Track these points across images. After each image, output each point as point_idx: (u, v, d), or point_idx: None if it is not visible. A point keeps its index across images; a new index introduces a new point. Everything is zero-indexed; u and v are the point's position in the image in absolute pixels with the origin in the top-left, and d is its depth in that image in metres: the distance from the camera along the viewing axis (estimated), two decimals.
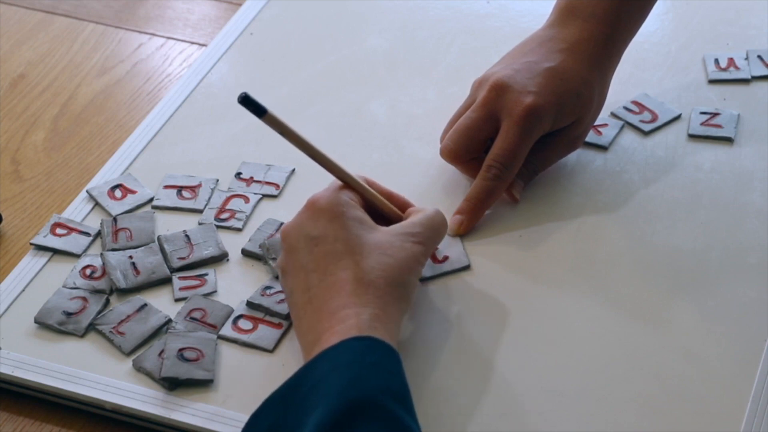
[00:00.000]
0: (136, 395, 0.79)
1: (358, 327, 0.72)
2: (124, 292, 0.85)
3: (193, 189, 0.93)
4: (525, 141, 0.88)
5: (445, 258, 0.86)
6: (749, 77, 1.02)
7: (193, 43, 1.11)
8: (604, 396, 0.78)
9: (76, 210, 0.92)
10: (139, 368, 0.80)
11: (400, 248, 0.78)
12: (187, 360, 0.80)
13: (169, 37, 1.12)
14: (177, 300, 0.85)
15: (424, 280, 0.85)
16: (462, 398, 0.78)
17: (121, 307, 0.84)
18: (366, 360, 0.70)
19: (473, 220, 0.89)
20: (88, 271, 0.87)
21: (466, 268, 0.86)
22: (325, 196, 0.80)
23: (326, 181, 0.89)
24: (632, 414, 0.77)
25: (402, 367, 0.72)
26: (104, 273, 0.86)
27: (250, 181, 0.94)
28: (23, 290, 0.86)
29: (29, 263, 0.88)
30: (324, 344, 0.72)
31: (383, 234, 0.79)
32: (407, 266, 0.78)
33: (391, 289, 0.76)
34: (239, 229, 0.90)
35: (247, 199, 0.92)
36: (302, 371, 0.72)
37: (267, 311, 0.83)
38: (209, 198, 0.93)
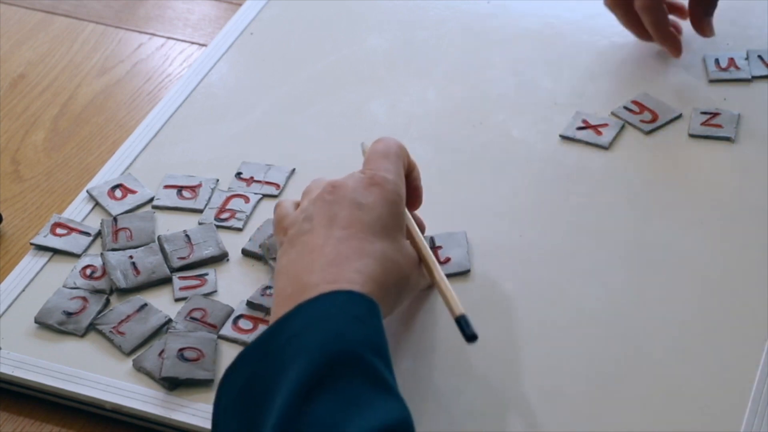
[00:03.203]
0: (136, 395, 0.79)
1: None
2: (125, 292, 0.85)
3: (193, 189, 0.93)
4: None
5: (447, 259, 0.86)
6: (749, 77, 1.02)
7: (193, 43, 1.11)
8: (604, 396, 0.78)
9: (76, 210, 0.92)
10: (139, 368, 0.80)
11: (415, 265, 0.79)
12: (187, 360, 0.80)
13: (169, 37, 1.12)
14: (177, 300, 0.85)
15: None
16: (462, 398, 0.78)
17: (121, 307, 0.84)
18: (348, 313, 0.70)
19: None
20: (88, 271, 0.87)
21: (466, 272, 0.86)
22: (390, 180, 0.78)
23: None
24: (632, 414, 0.77)
25: (382, 321, 0.72)
26: (104, 273, 0.86)
27: (251, 181, 0.94)
28: (23, 290, 0.86)
29: (29, 263, 0.88)
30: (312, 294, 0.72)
31: (407, 243, 0.79)
32: (413, 286, 0.79)
33: (398, 288, 0.77)
34: (239, 229, 0.90)
35: (247, 199, 0.92)
36: (281, 321, 0.71)
37: (267, 311, 0.83)
38: (209, 198, 0.93)
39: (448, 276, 0.81)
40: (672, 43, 1.03)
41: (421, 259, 0.79)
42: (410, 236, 0.80)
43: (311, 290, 0.72)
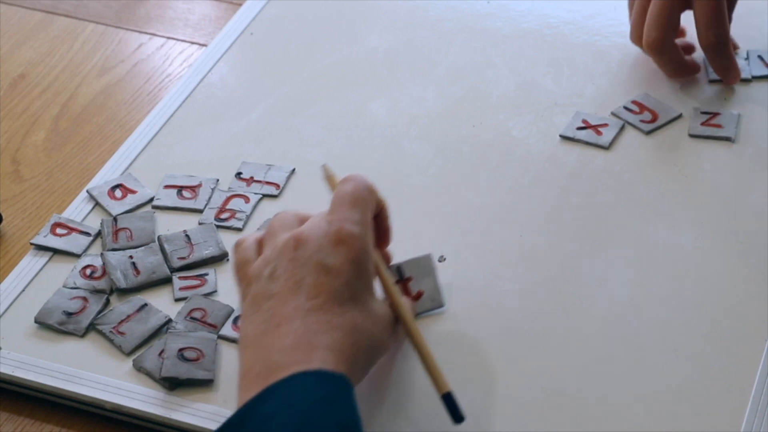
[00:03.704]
0: (136, 395, 0.79)
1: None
2: (125, 292, 0.85)
3: (193, 189, 0.93)
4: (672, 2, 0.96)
5: (420, 294, 0.83)
6: (749, 77, 1.02)
7: (193, 43, 1.11)
8: (604, 396, 0.78)
9: (77, 210, 0.92)
10: (139, 368, 0.80)
11: (387, 329, 0.76)
12: (187, 360, 0.80)
13: (169, 37, 1.12)
14: (177, 300, 0.85)
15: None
16: (462, 398, 0.78)
17: (121, 307, 0.84)
18: (320, 395, 0.68)
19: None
20: (88, 271, 0.87)
21: (440, 307, 0.83)
22: (358, 235, 0.74)
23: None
24: (632, 414, 0.77)
25: (354, 397, 0.69)
26: (104, 273, 0.86)
27: (251, 180, 0.94)
28: (23, 290, 0.86)
29: (29, 263, 0.88)
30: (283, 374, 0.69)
31: (379, 304, 0.76)
32: (385, 348, 0.76)
33: (369, 356, 0.74)
34: (239, 229, 0.90)
35: (247, 199, 0.92)
36: (252, 404, 0.68)
37: None
38: (209, 198, 0.93)
39: (423, 314, 0.81)
40: (687, 74, 1.02)
41: (403, 327, 0.76)
42: (388, 295, 0.77)
43: (281, 371, 0.69)
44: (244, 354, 0.73)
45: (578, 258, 0.87)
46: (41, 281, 0.87)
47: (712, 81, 1.02)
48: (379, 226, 0.79)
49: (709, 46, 0.98)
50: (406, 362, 0.79)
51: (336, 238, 0.74)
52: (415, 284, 0.83)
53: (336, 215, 0.75)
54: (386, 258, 0.82)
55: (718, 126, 0.97)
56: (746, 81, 1.02)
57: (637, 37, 1.01)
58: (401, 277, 0.83)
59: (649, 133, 0.98)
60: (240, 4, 1.14)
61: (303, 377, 0.68)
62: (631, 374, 0.79)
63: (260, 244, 0.78)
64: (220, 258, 0.88)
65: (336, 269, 0.73)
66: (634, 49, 1.05)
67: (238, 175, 0.95)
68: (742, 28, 1.07)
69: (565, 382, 0.79)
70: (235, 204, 0.92)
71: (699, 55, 1.02)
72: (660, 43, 0.98)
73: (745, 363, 0.79)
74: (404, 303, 0.77)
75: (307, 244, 0.74)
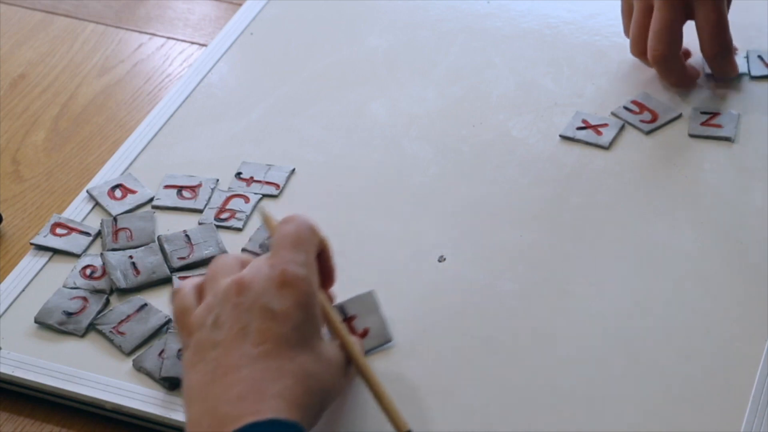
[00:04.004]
0: (136, 395, 0.79)
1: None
2: (124, 291, 0.85)
3: (193, 189, 0.93)
4: (675, 15, 0.96)
5: (366, 331, 0.81)
6: (749, 77, 1.02)
7: (193, 43, 1.11)
8: (604, 396, 0.78)
9: (77, 210, 0.92)
10: (139, 368, 0.80)
11: (338, 371, 0.74)
12: None
13: (169, 37, 1.12)
14: None
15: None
16: (462, 398, 0.78)
17: (121, 307, 0.84)
18: None
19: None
20: (88, 271, 0.87)
21: (388, 342, 0.81)
22: (303, 277, 0.72)
23: (325, 183, 0.90)
24: (632, 414, 0.77)
25: None
26: (104, 273, 0.86)
27: (251, 180, 0.94)
28: (23, 290, 0.86)
29: (29, 263, 0.88)
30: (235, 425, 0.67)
31: (328, 346, 0.74)
32: (337, 392, 0.74)
33: (322, 401, 0.72)
34: (239, 229, 0.90)
35: (247, 199, 0.92)
36: None
37: None
38: (209, 198, 0.93)
39: (371, 351, 0.80)
40: (691, 84, 1.01)
41: (355, 367, 0.74)
42: (336, 335, 0.75)
43: (232, 423, 0.66)
44: (190, 407, 0.70)
45: (578, 258, 0.87)
46: (41, 281, 0.87)
47: (709, 75, 1.02)
48: (323, 266, 0.76)
49: (715, 56, 0.99)
50: (359, 403, 0.77)
51: (280, 281, 0.71)
52: (360, 322, 0.81)
53: (278, 258, 0.73)
54: (329, 298, 0.79)
55: (718, 126, 0.97)
56: (746, 81, 1.02)
57: (639, 51, 1.00)
58: (345, 316, 0.80)
59: (649, 133, 0.98)
60: (240, 4, 1.14)
61: (255, 428, 0.66)
62: (631, 374, 0.79)
63: (200, 291, 0.75)
64: None
65: (282, 314, 0.70)
66: None
67: (238, 175, 0.95)
68: (743, 28, 1.07)
69: (565, 382, 0.79)
70: (235, 204, 0.92)
71: (696, 56, 1.02)
72: (666, 57, 0.98)
73: (745, 363, 0.79)
74: (354, 342, 0.75)
75: (250, 289, 0.71)
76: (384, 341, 0.81)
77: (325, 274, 0.77)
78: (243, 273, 0.73)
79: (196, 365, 0.71)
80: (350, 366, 0.75)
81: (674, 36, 0.97)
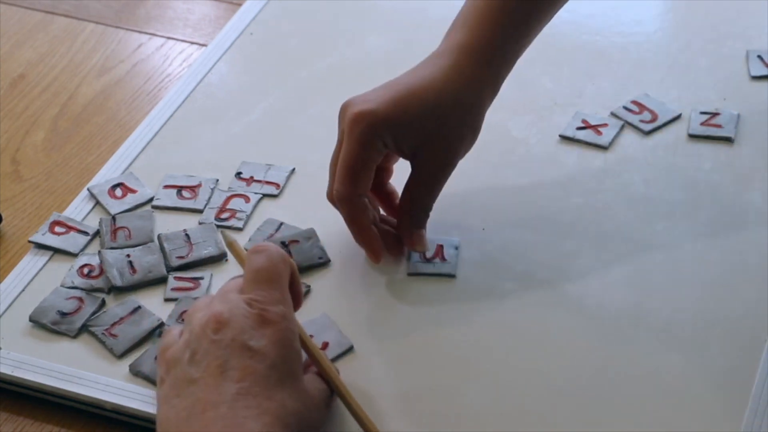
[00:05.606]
0: (136, 395, 0.79)
1: None
2: (120, 290, 0.85)
3: (193, 189, 0.93)
4: (359, 151, 0.83)
5: (326, 344, 0.81)
6: (749, 77, 1.02)
7: (193, 43, 1.11)
8: (603, 396, 0.78)
9: (77, 209, 0.92)
10: (136, 373, 0.80)
11: (320, 404, 0.74)
12: None
13: (169, 37, 1.12)
14: (167, 300, 0.84)
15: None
16: (462, 398, 0.78)
17: (115, 309, 0.84)
18: None
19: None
20: (85, 270, 0.87)
21: (350, 350, 0.81)
22: (282, 315, 0.71)
23: (325, 183, 0.89)
24: (632, 414, 0.77)
25: None
26: (102, 272, 0.86)
27: (251, 180, 0.94)
28: (23, 290, 0.86)
29: (29, 263, 0.88)
30: None
31: (309, 381, 0.74)
32: (317, 428, 0.74)
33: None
34: (240, 229, 0.90)
35: (247, 199, 0.92)
36: None
37: None
38: (209, 198, 0.93)
39: (335, 359, 0.79)
40: (370, 246, 0.85)
41: (337, 394, 0.74)
42: (315, 362, 0.75)
43: None
44: None
45: (578, 258, 0.87)
46: (41, 281, 0.86)
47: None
48: (291, 291, 0.75)
49: (411, 212, 0.86)
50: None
51: (259, 320, 0.70)
52: (318, 339, 0.81)
53: (254, 295, 0.72)
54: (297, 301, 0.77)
55: (718, 126, 0.97)
56: (744, 79, 1.02)
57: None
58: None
59: (648, 133, 0.98)
60: (240, 4, 1.14)
61: None
62: (631, 374, 0.79)
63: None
64: (218, 258, 0.88)
65: (262, 352, 0.69)
66: (634, 50, 1.05)
67: (238, 174, 0.95)
68: (743, 28, 1.07)
69: (565, 383, 0.79)
70: (235, 204, 0.92)
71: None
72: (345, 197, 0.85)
73: (745, 363, 0.79)
74: (333, 368, 0.75)
75: (228, 326, 0.70)
76: (345, 348, 0.80)
77: (294, 298, 0.75)
78: (219, 309, 0.71)
79: (171, 400, 0.69)
80: (333, 396, 0.75)
81: (357, 177, 0.84)
